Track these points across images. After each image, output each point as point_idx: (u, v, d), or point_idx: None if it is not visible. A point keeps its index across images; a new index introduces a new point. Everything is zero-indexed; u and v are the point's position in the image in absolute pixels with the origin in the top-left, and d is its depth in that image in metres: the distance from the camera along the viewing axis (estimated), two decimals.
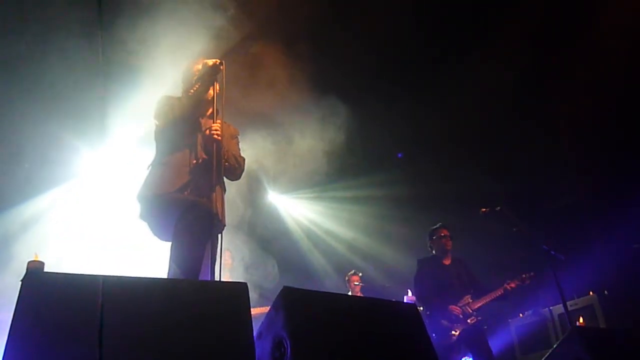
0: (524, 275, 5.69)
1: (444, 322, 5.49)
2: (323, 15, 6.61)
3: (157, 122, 3.83)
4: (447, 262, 5.95)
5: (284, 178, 8.26)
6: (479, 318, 5.61)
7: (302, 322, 2.37)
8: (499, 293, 5.65)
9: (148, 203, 3.55)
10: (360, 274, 7.63)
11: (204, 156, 3.64)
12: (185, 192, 3.54)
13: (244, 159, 4.00)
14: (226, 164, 3.72)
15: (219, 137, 3.57)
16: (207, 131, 3.64)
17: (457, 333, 5.45)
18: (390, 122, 8.27)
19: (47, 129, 6.15)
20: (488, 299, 5.66)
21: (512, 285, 5.63)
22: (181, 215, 3.39)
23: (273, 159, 7.16)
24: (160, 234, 3.63)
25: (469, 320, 5.53)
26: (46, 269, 3.16)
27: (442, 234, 6.00)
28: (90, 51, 5.70)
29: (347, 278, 7.62)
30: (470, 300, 5.64)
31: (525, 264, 6.07)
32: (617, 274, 6.96)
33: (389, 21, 6.88)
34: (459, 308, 5.54)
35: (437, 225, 6.12)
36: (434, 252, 6.05)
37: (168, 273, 3.34)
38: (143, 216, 3.63)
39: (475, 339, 5.50)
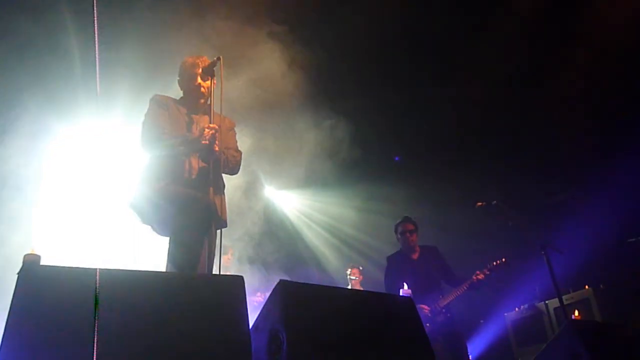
0: (494, 263, 5.49)
1: None
2: (320, 11, 6.60)
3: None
4: (414, 256, 5.80)
5: (281, 174, 8.27)
6: (448, 315, 5.48)
7: (298, 315, 2.38)
8: (467, 286, 5.48)
9: (148, 201, 3.53)
10: (361, 267, 7.62)
11: (201, 164, 3.59)
12: (184, 186, 3.53)
13: (240, 153, 3.96)
14: (225, 169, 3.72)
15: (217, 148, 3.52)
16: (203, 141, 3.53)
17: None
18: (388, 120, 8.28)
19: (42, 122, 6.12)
20: (456, 294, 5.51)
21: (480, 276, 5.44)
22: (179, 209, 3.39)
23: (270, 154, 7.16)
24: (162, 230, 3.62)
25: (438, 318, 5.42)
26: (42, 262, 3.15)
27: (405, 229, 5.82)
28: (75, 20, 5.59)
29: (347, 271, 7.62)
30: (440, 297, 5.53)
31: (520, 257, 6.08)
32: (613, 268, 6.99)
33: (386, 20, 6.88)
34: (427, 307, 5.42)
35: (400, 220, 5.94)
36: (400, 246, 5.92)
37: (166, 268, 3.35)
38: (145, 218, 3.60)
39: (448, 336, 5.38)
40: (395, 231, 5.96)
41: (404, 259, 5.80)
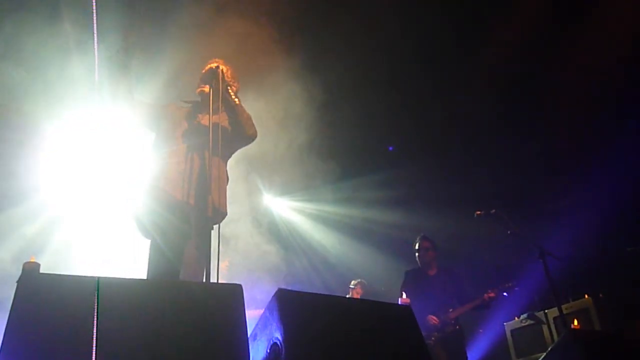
0: (506, 285, 5.77)
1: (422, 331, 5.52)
2: (317, 9, 6.62)
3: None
4: (431, 272, 6.06)
5: (278, 180, 8.28)
6: (457, 327, 5.72)
7: (296, 323, 2.38)
8: (477, 302, 5.75)
9: (136, 197, 3.59)
10: (365, 282, 7.56)
11: (197, 160, 3.65)
12: (171, 190, 3.56)
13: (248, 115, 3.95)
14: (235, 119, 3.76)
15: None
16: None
17: (432, 341, 5.52)
18: (386, 123, 8.29)
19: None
20: (466, 308, 5.77)
21: (491, 295, 5.71)
22: (160, 216, 3.43)
23: (266, 162, 7.16)
24: (145, 233, 3.62)
25: (447, 329, 5.64)
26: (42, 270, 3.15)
27: (423, 246, 6.12)
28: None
29: (351, 285, 7.56)
30: (450, 310, 5.73)
31: (519, 266, 6.09)
32: (612, 277, 6.98)
33: (388, 17, 6.89)
34: (436, 318, 5.64)
35: (418, 237, 6.23)
36: (418, 263, 6.16)
37: (147, 274, 3.35)
38: (146, 232, 3.61)
39: (454, 347, 5.64)
40: (414, 248, 6.22)
41: (420, 274, 6.07)
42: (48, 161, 6.31)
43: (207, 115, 3.71)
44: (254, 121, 3.92)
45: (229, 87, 3.79)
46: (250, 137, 3.90)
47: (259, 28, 5.99)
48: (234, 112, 3.77)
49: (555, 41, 7.15)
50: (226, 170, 3.87)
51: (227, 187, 3.85)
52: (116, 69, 3.59)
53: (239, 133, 3.81)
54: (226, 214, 3.70)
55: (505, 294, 5.78)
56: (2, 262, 5.64)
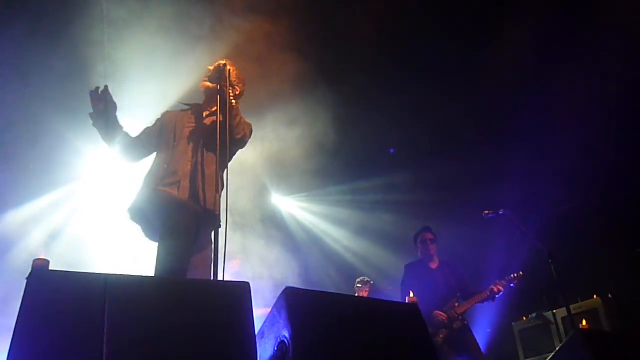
0: (512, 276, 5.59)
1: (429, 328, 5.36)
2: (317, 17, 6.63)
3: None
4: (433, 265, 5.88)
5: (286, 180, 8.29)
6: (465, 322, 5.54)
7: (304, 322, 2.38)
8: (486, 295, 5.55)
9: (141, 198, 3.60)
10: (372, 282, 7.54)
11: (198, 157, 3.67)
12: (176, 190, 3.56)
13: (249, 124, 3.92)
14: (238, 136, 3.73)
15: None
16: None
17: (441, 338, 5.34)
18: (391, 125, 8.28)
19: (51, 130, 6.19)
20: (474, 302, 5.58)
21: (500, 287, 5.53)
22: (168, 216, 3.41)
23: (274, 161, 7.18)
24: (151, 235, 3.64)
25: (454, 325, 5.46)
26: (51, 268, 3.17)
27: (425, 238, 5.93)
28: (96, 50, 5.72)
29: (357, 285, 7.53)
30: (457, 304, 5.56)
31: (528, 266, 6.06)
32: (621, 278, 6.95)
33: (387, 20, 6.90)
34: (444, 313, 5.46)
35: (420, 229, 6.06)
36: (420, 256, 6.00)
37: (155, 274, 3.35)
38: (135, 217, 3.64)
39: (464, 343, 5.42)
40: (415, 240, 6.07)
41: (422, 267, 5.89)
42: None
43: (209, 114, 3.77)
44: (247, 126, 3.86)
45: (231, 88, 3.76)
46: (239, 141, 3.80)
47: (275, 31, 6.01)
48: (230, 113, 3.69)
49: (554, 43, 7.14)
50: (219, 170, 3.80)
51: (229, 188, 3.83)
52: (99, 129, 3.71)
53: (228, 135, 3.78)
54: (219, 216, 3.65)
55: (512, 285, 5.59)
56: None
